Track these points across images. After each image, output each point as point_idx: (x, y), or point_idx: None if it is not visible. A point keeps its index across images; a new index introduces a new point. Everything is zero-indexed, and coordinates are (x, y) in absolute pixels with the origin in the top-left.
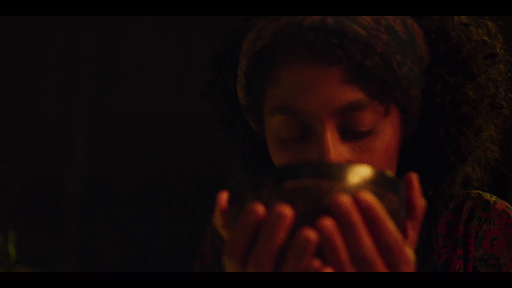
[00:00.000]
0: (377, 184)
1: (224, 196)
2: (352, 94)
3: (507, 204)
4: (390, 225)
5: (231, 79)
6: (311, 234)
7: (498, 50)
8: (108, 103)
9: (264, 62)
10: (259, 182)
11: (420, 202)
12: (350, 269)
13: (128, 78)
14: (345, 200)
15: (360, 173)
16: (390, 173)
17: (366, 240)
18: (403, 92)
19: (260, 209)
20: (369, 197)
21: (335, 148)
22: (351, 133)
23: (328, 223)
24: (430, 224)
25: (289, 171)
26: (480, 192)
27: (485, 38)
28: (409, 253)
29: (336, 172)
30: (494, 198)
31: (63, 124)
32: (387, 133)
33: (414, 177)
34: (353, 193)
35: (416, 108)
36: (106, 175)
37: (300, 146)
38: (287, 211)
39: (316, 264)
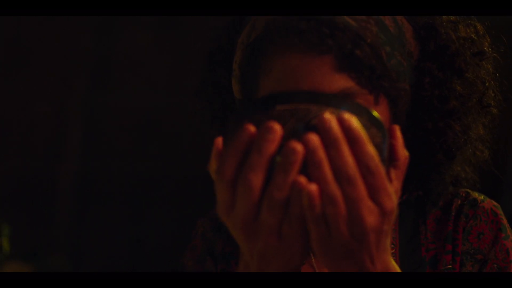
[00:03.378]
0: (363, 117)
1: (220, 140)
2: (343, 82)
3: (495, 203)
4: (371, 149)
5: (224, 74)
6: (297, 146)
7: (486, 49)
8: (102, 100)
9: (258, 53)
10: (253, 107)
11: (403, 152)
12: (333, 186)
13: (123, 76)
14: (329, 116)
15: (348, 104)
16: (376, 113)
17: (348, 158)
18: (392, 83)
19: (251, 127)
20: (351, 118)
21: None
22: None
23: (313, 137)
24: (418, 220)
25: (282, 97)
26: (468, 190)
27: (473, 36)
28: (392, 190)
29: (327, 100)
30: (482, 197)
31: (57, 120)
32: None
33: (396, 128)
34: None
35: (405, 102)
36: (99, 172)
37: None
38: (276, 126)
39: (302, 179)
